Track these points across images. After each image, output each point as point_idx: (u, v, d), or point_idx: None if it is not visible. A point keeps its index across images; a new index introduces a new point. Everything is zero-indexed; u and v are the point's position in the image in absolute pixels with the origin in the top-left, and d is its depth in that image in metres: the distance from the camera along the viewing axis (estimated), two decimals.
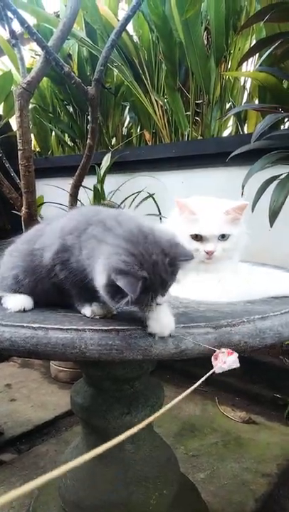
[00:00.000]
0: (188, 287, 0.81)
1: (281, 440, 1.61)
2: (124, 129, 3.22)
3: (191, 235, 0.83)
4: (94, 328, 0.60)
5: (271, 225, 1.56)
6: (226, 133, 2.65)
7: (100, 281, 0.61)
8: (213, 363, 0.60)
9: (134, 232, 0.64)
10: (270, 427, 1.70)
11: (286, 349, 2.02)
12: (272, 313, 0.67)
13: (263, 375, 1.92)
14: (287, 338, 0.67)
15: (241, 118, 2.38)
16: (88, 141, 1.96)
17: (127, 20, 1.84)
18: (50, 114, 3.25)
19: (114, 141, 3.13)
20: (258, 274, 0.89)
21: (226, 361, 0.59)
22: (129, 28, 2.64)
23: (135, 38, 2.67)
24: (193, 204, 0.84)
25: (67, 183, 2.22)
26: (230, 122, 2.59)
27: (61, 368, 2.12)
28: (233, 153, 1.66)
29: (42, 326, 0.61)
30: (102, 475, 1.01)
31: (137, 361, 0.63)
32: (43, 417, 1.82)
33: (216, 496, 1.34)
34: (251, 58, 2.33)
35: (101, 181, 2.26)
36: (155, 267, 0.61)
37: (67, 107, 3.15)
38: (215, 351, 0.60)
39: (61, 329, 0.60)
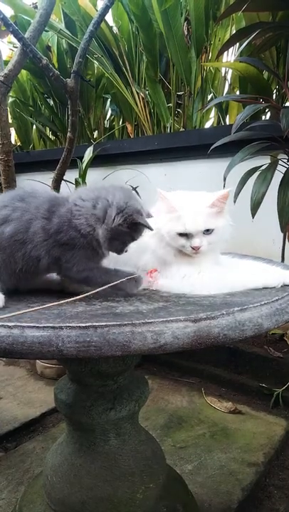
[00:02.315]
0: (169, 281, 0.80)
1: (267, 429, 1.63)
2: (107, 122, 3.19)
3: (177, 233, 0.83)
4: (71, 325, 0.59)
5: (253, 216, 1.56)
6: (208, 124, 2.64)
7: (111, 222, 0.73)
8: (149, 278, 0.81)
9: (131, 195, 0.79)
10: (256, 417, 1.72)
11: (270, 339, 2.04)
12: (252, 304, 0.67)
13: (248, 366, 1.93)
14: (267, 330, 0.67)
15: (223, 109, 2.38)
16: (69, 134, 1.94)
17: (104, 10, 1.82)
18: (31, 108, 3.20)
19: (96, 134, 3.10)
20: (237, 266, 0.88)
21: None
22: (109, 18, 2.60)
23: (115, 29, 2.64)
24: (175, 200, 0.83)
25: (48, 178, 2.19)
26: (212, 113, 2.59)
27: (47, 365, 2.11)
28: (213, 146, 1.65)
29: (18, 324, 0.59)
30: (87, 471, 1.00)
31: (118, 357, 0.62)
32: (30, 415, 1.80)
33: (204, 486, 1.35)
34: (232, 48, 2.32)
35: (83, 175, 2.23)
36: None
37: (48, 100, 3.10)
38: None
39: (37, 327, 0.59)
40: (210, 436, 1.60)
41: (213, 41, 2.41)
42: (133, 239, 0.77)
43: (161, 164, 2.41)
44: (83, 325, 0.59)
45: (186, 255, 0.84)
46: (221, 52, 1.71)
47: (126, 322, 0.60)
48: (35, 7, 2.76)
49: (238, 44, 1.94)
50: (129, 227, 0.74)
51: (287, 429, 1.63)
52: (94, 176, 2.41)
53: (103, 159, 2.55)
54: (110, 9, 2.43)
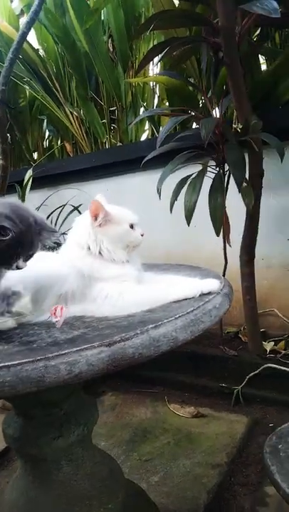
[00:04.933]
0: (91, 305, 0.82)
1: (229, 429, 1.66)
2: (46, 142, 3.19)
3: (130, 224, 0.92)
4: None
5: (188, 223, 1.61)
6: (144, 136, 2.69)
7: None
8: (53, 317, 0.75)
9: (8, 203, 0.75)
10: (219, 417, 1.76)
11: (226, 337, 2.09)
12: (166, 319, 0.69)
13: (207, 367, 1.97)
14: (183, 341, 0.70)
15: (155, 121, 2.43)
16: (1, 161, 1.92)
17: (22, 37, 1.83)
18: None
19: (36, 155, 3.10)
20: (159, 281, 0.91)
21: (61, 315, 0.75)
22: (34, 41, 2.62)
23: (41, 52, 2.65)
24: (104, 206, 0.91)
25: None
26: (147, 125, 2.64)
27: None
28: (144, 160, 1.69)
29: None
30: (43, 502, 0.99)
31: (34, 393, 0.63)
32: None
33: (170, 495, 1.36)
34: (157, 61, 2.39)
35: (22, 198, 2.21)
36: (29, 227, 0.73)
37: None
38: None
39: None
40: (174, 444, 1.62)
41: (138, 56, 2.47)
42: (8, 247, 0.71)
43: (101, 180, 2.44)
44: None
45: (126, 253, 0.91)
46: (140, 68, 1.75)
47: (39, 357, 0.61)
48: None
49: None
50: None
51: (248, 425, 1.68)
52: (35, 198, 2.40)
53: (44, 180, 2.55)
54: (34, 32, 2.45)
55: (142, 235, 0.92)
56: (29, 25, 1.82)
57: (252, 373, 1.83)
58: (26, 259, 0.75)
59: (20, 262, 0.74)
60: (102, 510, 1.02)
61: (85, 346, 0.63)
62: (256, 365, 1.84)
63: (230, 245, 1.81)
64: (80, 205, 2.32)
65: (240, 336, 2.11)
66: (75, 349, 0.63)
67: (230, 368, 1.91)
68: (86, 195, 2.38)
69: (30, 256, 0.76)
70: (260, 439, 1.62)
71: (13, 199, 0.82)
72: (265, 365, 1.79)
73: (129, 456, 1.57)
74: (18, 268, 0.74)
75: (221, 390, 1.89)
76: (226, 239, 1.78)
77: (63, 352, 0.62)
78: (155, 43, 2.40)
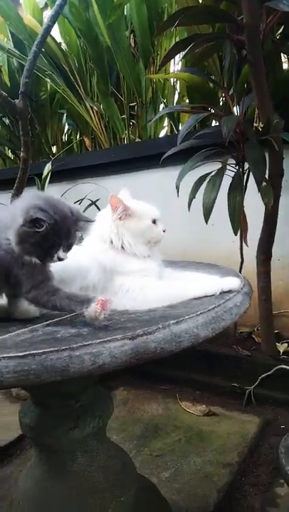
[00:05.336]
0: (113, 298, 0.82)
1: (240, 428, 1.66)
2: (64, 136, 3.20)
3: (152, 220, 0.92)
4: (9, 355, 0.60)
5: (206, 221, 1.60)
6: (163, 132, 2.69)
7: (15, 225, 0.71)
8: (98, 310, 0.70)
9: (43, 196, 0.77)
10: (230, 417, 1.75)
11: (239, 338, 2.09)
12: (188, 315, 0.70)
13: (220, 367, 1.97)
14: (204, 338, 0.70)
15: (175, 117, 2.42)
16: (22, 154, 1.94)
17: (46, 30, 1.84)
18: None
19: (55, 149, 3.11)
20: (179, 277, 0.91)
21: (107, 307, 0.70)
22: (57, 35, 2.63)
23: (64, 46, 2.66)
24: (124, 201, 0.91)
25: (8, 198, 2.18)
26: (166, 122, 2.64)
27: None
28: (164, 156, 1.69)
29: None
30: (57, 493, 1.01)
31: (59, 382, 0.64)
32: (6, 438, 1.78)
33: (181, 492, 1.37)
34: (178, 58, 2.38)
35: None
36: (65, 218, 0.73)
37: (4, 119, 3.09)
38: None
39: None
40: (185, 441, 1.62)
41: (159, 52, 2.46)
42: (45, 239, 0.71)
43: (119, 176, 2.44)
44: (21, 354, 0.60)
45: (148, 249, 0.91)
46: (163, 64, 1.75)
47: (64, 347, 0.62)
48: None
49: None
50: (33, 225, 0.70)
51: (260, 425, 1.67)
52: (53, 191, 2.42)
53: (62, 174, 2.56)
54: (57, 26, 2.46)
55: (163, 231, 0.92)
56: (54, 19, 1.83)
57: (264, 374, 1.82)
58: (66, 250, 0.76)
59: (61, 253, 0.74)
60: (114, 503, 1.03)
61: (109, 338, 0.64)
62: (269, 366, 1.83)
63: (247, 244, 1.80)
64: (97, 200, 2.33)
65: (253, 336, 2.10)
66: (98, 341, 0.63)
67: (243, 367, 1.90)
68: (104, 190, 2.39)
69: (70, 246, 0.76)
70: (272, 440, 1.61)
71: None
72: (278, 367, 1.78)
73: (140, 451, 1.58)
74: (59, 259, 0.75)
75: (233, 390, 1.89)
76: (244, 238, 1.77)
77: (87, 343, 0.62)
78: (177, 39, 2.39)
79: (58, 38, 2.63)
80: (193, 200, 1.68)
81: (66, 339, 0.66)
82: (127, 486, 1.07)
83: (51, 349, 0.61)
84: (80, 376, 0.62)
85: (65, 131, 3.19)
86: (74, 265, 0.84)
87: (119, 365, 0.63)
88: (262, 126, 1.67)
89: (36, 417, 1.02)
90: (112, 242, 0.89)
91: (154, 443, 1.63)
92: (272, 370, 1.79)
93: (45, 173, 2.38)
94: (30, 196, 0.77)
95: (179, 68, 2.46)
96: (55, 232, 0.71)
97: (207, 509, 1.29)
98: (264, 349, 1.93)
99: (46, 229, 0.70)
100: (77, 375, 0.61)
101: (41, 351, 0.60)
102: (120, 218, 0.89)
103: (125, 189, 0.98)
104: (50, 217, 0.70)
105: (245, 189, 1.69)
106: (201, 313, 0.71)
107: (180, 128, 2.46)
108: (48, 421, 0.99)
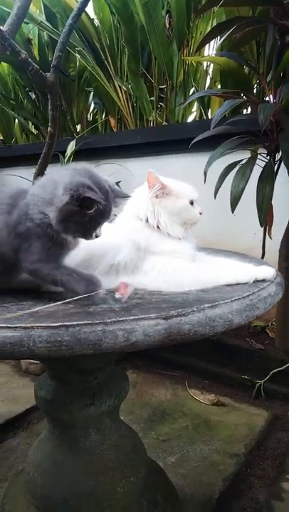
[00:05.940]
0: (144, 277, 0.81)
1: (248, 420, 1.66)
2: (90, 115, 3.16)
3: (190, 200, 0.91)
4: (42, 325, 0.59)
5: (233, 211, 1.58)
6: (191, 118, 2.64)
7: (59, 202, 0.68)
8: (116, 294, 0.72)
9: (84, 171, 0.73)
10: (239, 408, 1.75)
11: (253, 331, 2.07)
12: (223, 301, 0.68)
13: (231, 358, 1.96)
14: (237, 325, 0.68)
15: (205, 103, 2.38)
16: (49, 129, 1.92)
17: (84, 3, 1.80)
18: (12, 101, 3.16)
19: (79, 127, 3.08)
20: (211, 262, 0.89)
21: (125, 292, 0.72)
22: (90, 11, 2.57)
23: (96, 22, 2.61)
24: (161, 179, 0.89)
25: (31, 173, 2.17)
26: (195, 107, 2.58)
27: (32, 361, 2.11)
28: (194, 140, 1.66)
29: None
30: (69, 467, 1.01)
31: (90, 355, 0.63)
32: (14, 411, 1.80)
33: (186, 478, 1.37)
34: (213, 42, 2.32)
35: None
36: (107, 196, 0.72)
37: (30, 93, 3.07)
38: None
39: (9, 327, 0.59)
40: (193, 428, 1.62)
41: (194, 34, 2.40)
42: (91, 218, 0.71)
43: (144, 158, 2.40)
44: (54, 325, 0.59)
45: (183, 231, 0.90)
46: (200, 47, 1.70)
47: (98, 321, 0.61)
48: None
49: (219, 37, 1.94)
50: (80, 204, 0.68)
51: (268, 419, 1.67)
52: None
53: (86, 153, 2.54)
54: (91, 1, 2.41)
55: (200, 213, 0.90)
56: None
57: (276, 369, 1.81)
58: (102, 225, 0.75)
59: (98, 231, 0.74)
60: (124, 482, 1.03)
61: (143, 316, 0.62)
62: (282, 361, 1.81)
63: (270, 237, 1.77)
64: (119, 182, 2.30)
65: (267, 331, 2.08)
66: (132, 317, 0.62)
67: (255, 361, 1.89)
68: (127, 171, 2.37)
69: (106, 221, 0.76)
70: (280, 435, 1.61)
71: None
72: None
73: (147, 435, 1.58)
74: (96, 237, 0.74)
75: (243, 382, 1.88)
76: (268, 230, 1.73)
77: (121, 319, 0.61)
78: (214, 22, 2.33)
79: (91, 14, 2.58)
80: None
81: (99, 313, 0.65)
82: (136, 467, 1.07)
83: (85, 322, 0.60)
84: (112, 352, 0.61)
85: (91, 111, 3.15)
86: (106, 242, 0.83)
87: (152, 344, 0.62)
88: None
89: (53, 390, 1.01)
90: (147, 220, 0.87)
91: (161, 427, 1.64)
92: (284, 366, 1.78)
93: (69, 150, 2.36)
94: (72, 172, 0.73)
95: (213, 52, 2.40)
96: (101, 213, 0.71)
97: (212, 496, 1.29)
98: (278, 344, 1.91)
99: (95, 210, 0.69)
100: (109, 350, 0.60)
101: (75, 323, 0.60)
102: (157, 196, 0.86)
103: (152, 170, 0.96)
104: (100, 198, 0.69)
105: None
106: (235, 300, 0.69)
107: (209, 114, 2.41)
108: (64, 395, 0.99)
